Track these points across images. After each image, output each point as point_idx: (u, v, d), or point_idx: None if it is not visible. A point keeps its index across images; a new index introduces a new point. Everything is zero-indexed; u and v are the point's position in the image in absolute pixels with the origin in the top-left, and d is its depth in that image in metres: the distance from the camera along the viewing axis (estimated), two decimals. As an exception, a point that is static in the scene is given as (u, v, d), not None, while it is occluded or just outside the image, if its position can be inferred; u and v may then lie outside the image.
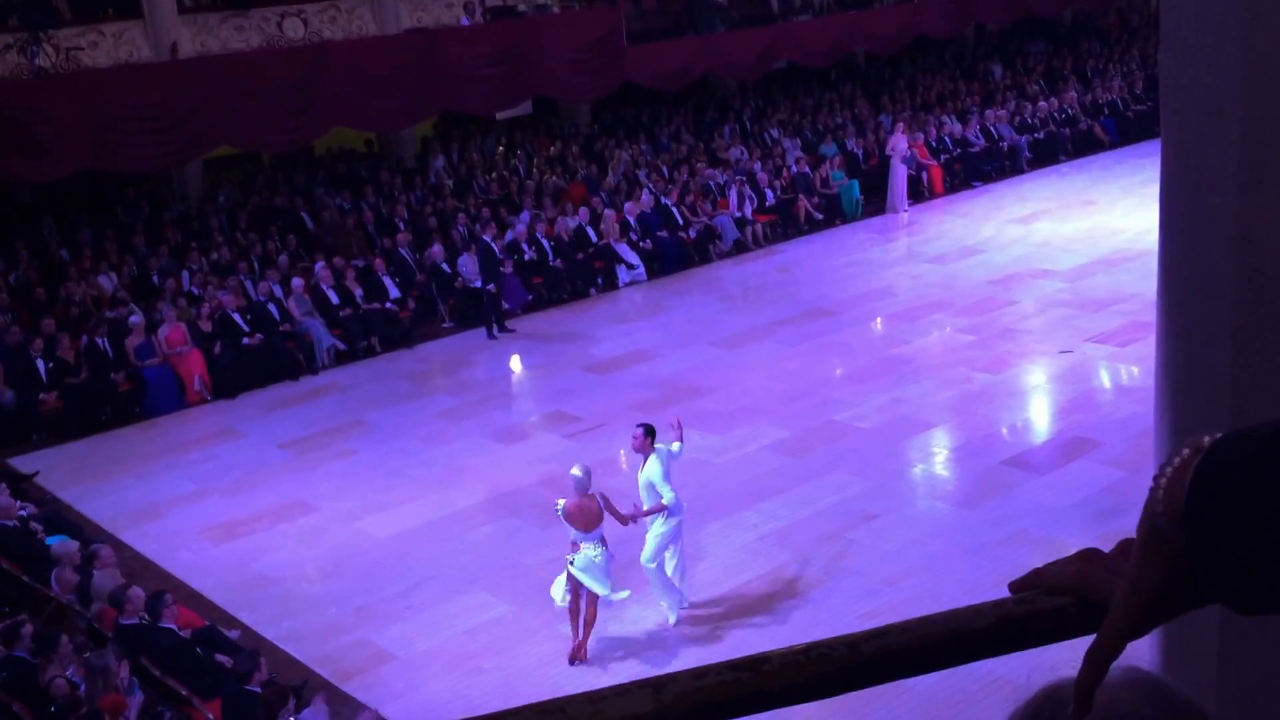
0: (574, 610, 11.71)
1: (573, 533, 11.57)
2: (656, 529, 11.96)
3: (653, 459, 11.96)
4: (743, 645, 11.45)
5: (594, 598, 11.66)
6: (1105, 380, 17.82)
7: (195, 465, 17.01)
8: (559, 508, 11.68)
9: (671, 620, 12.17)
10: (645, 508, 11.93)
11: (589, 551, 11.48)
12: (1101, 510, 13.42)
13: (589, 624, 11.75)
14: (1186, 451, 1.22)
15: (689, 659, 11.30)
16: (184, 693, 10.93)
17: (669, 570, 12.09)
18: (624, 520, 11.86)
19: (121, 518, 15.47)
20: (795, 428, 16.51)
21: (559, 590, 11.80)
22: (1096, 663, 1.24)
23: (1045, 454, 15.46)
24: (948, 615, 1.34)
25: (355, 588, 13.40)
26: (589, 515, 11.50)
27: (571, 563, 11.58)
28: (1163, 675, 1.30)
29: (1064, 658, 1.31)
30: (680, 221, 24.88)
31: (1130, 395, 16.81)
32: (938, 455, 15.81)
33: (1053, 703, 1.29)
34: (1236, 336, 3.16)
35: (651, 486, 11.89)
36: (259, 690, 10.38)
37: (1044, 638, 1.34)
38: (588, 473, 11.60)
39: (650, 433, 12.05)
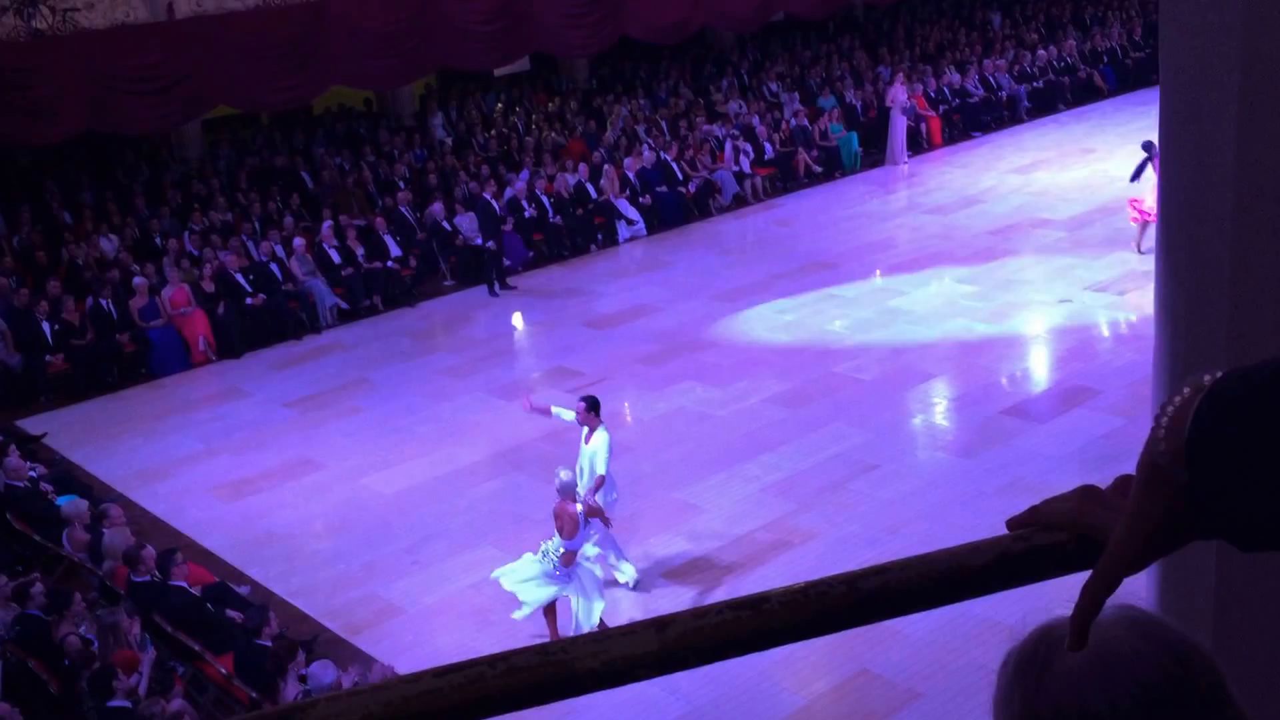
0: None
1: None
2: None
3: (600, 433, 11.90)
4: (744, 593, 11.57)
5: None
6: (1104, 329, 17.92)
7: (202, 425, 17.14)
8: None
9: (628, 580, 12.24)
10: (584, 484, 11.76)
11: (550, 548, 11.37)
12: (1100, 457, 13.55)
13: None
14: (1188, 390, 1.23)
15: (690, 606, 11.42)
16: (196, 648, 11.09)
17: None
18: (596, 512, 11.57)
19: (130, 477, 15.62)
20: (795, 380, 16.62)
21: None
22: (1094, 596, 1.27)
23: (1044, 403, 15.59)
24: (946, 553, 1.35)
25: (362, 543, 13.56)
26: (566, 520, 11.34)
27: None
28: (1157, 612, 1.34)
29: (1061, 598, 1.34)
30: (680, 176, 24.91)
31: (1128, 343, 16.93)
32: (937, 406, 15.94)
33: (1048, 642, 1.33)
34: (1235, 279, 3.16)
35: (592, 462, 11.86)
36: (269, 644, 10.53)
37: (1042, 573, 1.36)
38: (572, 478, 11.48)
39: (593, 406, 12.02)
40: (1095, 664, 1.29)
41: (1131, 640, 1.29)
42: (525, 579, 11.42)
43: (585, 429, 12.10)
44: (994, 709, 1.38)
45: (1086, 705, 1.28)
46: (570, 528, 11.25)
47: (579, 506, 11.29)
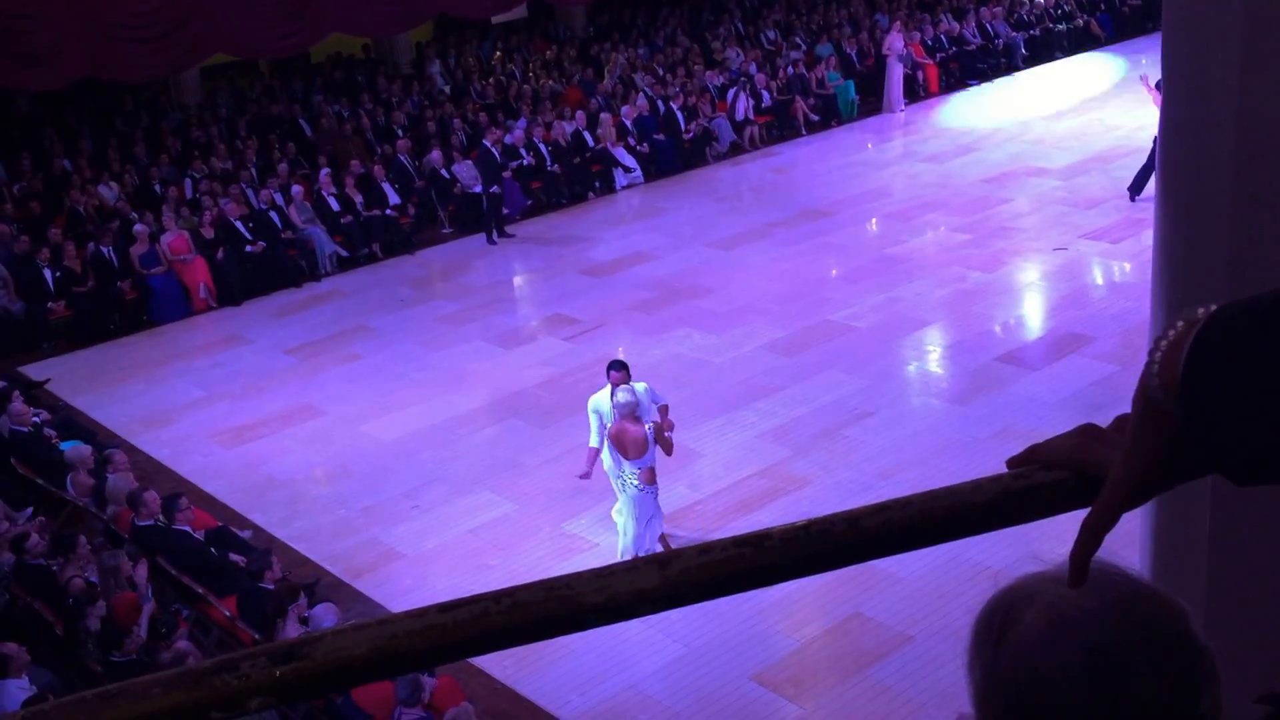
0: None
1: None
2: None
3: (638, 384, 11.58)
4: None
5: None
6: (1098, 277, 18.03)
7: (203, 371, 17.27)
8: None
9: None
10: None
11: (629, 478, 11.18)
12: (1093, 404, 13.68)
13: None
14: (1182, 324, 1.22)
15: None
16: (199, 590, 11.26)
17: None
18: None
19: (133, 423, 15.75)
20: (791, 327, 16.73)
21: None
22: (1093, 533, 1.29)
23: (1038, 350, 15.71)
24: (947, 490, 1.36)
25: (363, 488, 13.71)
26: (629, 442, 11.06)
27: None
28: (1110, 560, 1.36)
29: (1053, 549, 1.37)
30: (683, 124, 24.88)
31: (1122, 291, 17.04)
32: (932, 353, 16.07)
33: (1004, 607, 1.38)
34: (1235, 227, 3.17)
35: (651, 395, 11.63)
36: (272, 587, 10.69)
37: (1042, 511, 1.36)
38: (633, 399, 11.04)
39: (620, 368, 11.70)
40: (1045, 627, 1.33)
41: (1080, 599, 1.31)
42: (625, 516, 11.42)
43: (609, 386, 11.60)
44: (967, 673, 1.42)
45: (1039, 670, 1.32)
46: (636, 448, 10.98)
47: (647, 426, 10.99)
